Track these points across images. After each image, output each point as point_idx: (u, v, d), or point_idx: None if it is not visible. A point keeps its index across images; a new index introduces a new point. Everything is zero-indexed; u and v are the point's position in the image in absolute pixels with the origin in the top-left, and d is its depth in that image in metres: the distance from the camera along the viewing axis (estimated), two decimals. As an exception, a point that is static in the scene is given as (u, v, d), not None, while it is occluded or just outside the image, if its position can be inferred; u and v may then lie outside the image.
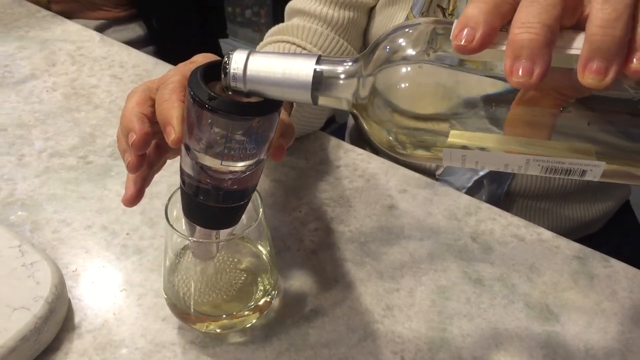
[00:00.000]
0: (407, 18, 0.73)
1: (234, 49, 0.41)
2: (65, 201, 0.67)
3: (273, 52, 0.40)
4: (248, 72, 0.39)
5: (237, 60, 0.40)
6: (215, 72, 0.42)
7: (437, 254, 0.62)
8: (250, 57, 0.40)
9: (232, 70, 0.40)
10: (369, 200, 0.68)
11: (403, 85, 0.37)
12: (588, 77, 0.31)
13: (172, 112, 0.44)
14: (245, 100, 0.41)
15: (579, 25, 0.34)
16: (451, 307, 0.57)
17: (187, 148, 0.43)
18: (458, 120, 0.37)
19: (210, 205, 0.44)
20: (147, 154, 0.49)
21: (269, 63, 0.39)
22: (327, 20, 0.76)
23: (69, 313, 0.55)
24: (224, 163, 0.42)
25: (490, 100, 0.36)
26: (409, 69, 0.37)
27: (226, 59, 0.40)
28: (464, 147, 0.38)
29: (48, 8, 1.11)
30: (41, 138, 0.77)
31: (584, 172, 0.37)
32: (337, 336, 0.54)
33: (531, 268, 0.61)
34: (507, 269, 0.60)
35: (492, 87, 0.36)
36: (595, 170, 0.37)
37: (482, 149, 0.38)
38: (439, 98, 0.37)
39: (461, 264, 0.61)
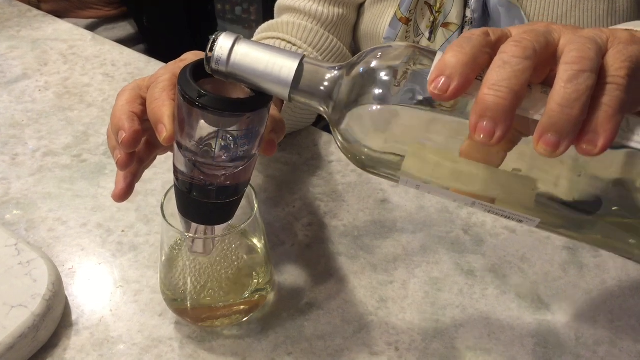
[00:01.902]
0: (395, 15, 0.73)
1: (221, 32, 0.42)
2: (60, 200, 0.68)
3: (260, 43, 0.41)
4: (232, 58, 0.40)
5: (222, 46, 0.40)
6: (204, 70, 0.42)
7: (430, 247, 0.63)
8: (237, 44, 0.40)
9: (216, 53, 0.40)
10: (362, 194, 0.69)
11: (368, 121, 0.38)
12: (541, 148, 0.33)
13: (163, 110, 0.44)
14: (235, 96, 0.42)
15: (547, 81, 0.36)
16: (444, 298, 0.58)
17: (179, 145, 0.43)
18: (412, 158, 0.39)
19: (204, 202, 0.45)
20: (136, 150, 0.49)
21: (254, 54, 0.40)
22: (316, 17, 0.76)
23: (66, 310, 0.56)
24: (216, 159, 0.42)
25: (448, 136, 0.38)
26: (377, 107, 0.38)
27: (213, 37, 0.40)
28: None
29: (38, 7, 1.11)
30: (34, 137, 0.77)
31: (521, 221, 0.40)
32: (332, 328, 0.55)
33: (522, 259, 0.61)
34: (499, 260, 0.61)
35: (455, 126, 0.38)
36: (530, 222, 0.40)
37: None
38: (398, 139, 0.38)
39: (453, 256, 0.62)
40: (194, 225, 0.48)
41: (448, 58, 0.34)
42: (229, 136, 0.41)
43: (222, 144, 0.42)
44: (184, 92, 0.41)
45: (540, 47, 0.35)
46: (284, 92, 0.40)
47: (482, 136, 0.33)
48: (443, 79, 0.34)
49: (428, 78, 0.35)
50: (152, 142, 0.51)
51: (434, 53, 0.38)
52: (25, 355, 0.51)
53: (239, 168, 0.44)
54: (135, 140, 0.46)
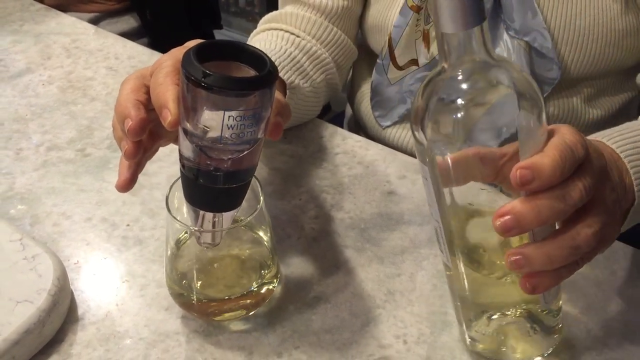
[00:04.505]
0: (405, 3, 0.72)
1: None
2: (65, 194, 0.67)
3: None
4: None
5: None
6: (208, 52, 0.42)
7: (437, 239, 0.62)
8: None
9: None
10: (368, 186, 0.68)
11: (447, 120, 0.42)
12: (508, 260, 0.41)
13: (168, 95, 0.44)
14: (240, 75, 0.42)
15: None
16: (452, 290, 0.57)
17: (185, 132, 0.43)
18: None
19: (212, 187, 0.45)
20: (142, 142, 0.49)
21: None
22: (320, 8, 0.75)
23: (72, 305, 0.56)
24: (222, 142, 0.42)
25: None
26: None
27: None
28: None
29: (41, 1, 1.11)
30: (38, 132, 0.77)
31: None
32: (340, 322, 0.54)
33: (531, 250, 0.61)
34: (507, 251, 0.61)
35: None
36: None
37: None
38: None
39: (461, 248, 0.61)
40: (201, 213, 0.47)
41: (547, 172, 0.38)
42: (235, 117, 0.41)
43: (228, 125, 0.41)
44: (188, 73, 0.40)
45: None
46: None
47: (498, 223, 0.39)
48: (534, 183, 0.38)
49: (521, 163, 0.39)
50: (156, 132, 0.51)
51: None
52: (31, 351, 0.51)
53: (245, 152, 0.43)
54: (142, 128, 0.46)
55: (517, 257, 0.40)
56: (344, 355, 0.52)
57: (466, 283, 0.47)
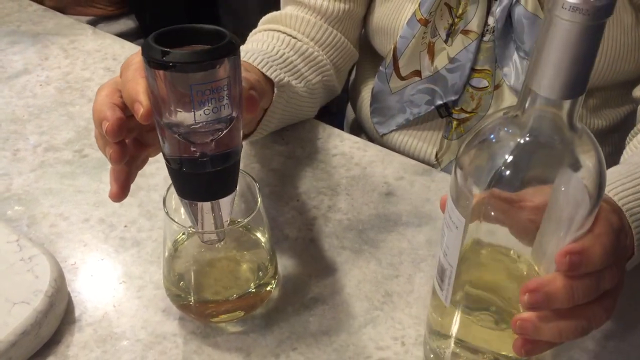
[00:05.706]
0: (414, 15, 0.71)
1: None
2: (62, 195, 0.67)
3: None
4: None
5: None
6: (167, 41, 0.41)
7: (435, 240, 0.62)
8: None
9: None
10: (366, 188, 0.68)
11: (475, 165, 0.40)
12: (516, 325, 0.40)
13: (138, 88, 0.44)
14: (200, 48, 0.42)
15: None
16: (450, 292, 0.57)
17: (162, 125, 0.43)
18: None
19: (201, 174, 0.45)
20: (127, 146, 0.48)
21: None
22: (321, 11, 0.75)
23: (69, 306, 0.55)
24: (198, 123, 0.42)
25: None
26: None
27: None
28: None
29: (41, 3, 1.11)
30: (36, 133, 0.76)
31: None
32: (338, 323, 0.54)
33: (529, 252, 0.61)
34: (505, 253, 0.61)
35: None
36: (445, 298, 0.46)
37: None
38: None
39: (459, 250, 0.61)
40: (199, 206, 0.47)
41: (597, 262, 0.38)
42: (204, 92, 0.41)
43: (200, 102, 0.41)
44: (149, 57, 0.40)
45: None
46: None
47: (527, 298, 0.38)
48: (580, 269, 0.38)
49: (573, 248, 0.37)
50: (142, 141, 0.51)
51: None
52: (28, 352, 0.51)
53: (224, 130, 0.43)
54: (119, 127, 0.45)
55: (527, 323, 0.39)
56: (342, 357, 0.52)
57: (455, 321, 0.46)
